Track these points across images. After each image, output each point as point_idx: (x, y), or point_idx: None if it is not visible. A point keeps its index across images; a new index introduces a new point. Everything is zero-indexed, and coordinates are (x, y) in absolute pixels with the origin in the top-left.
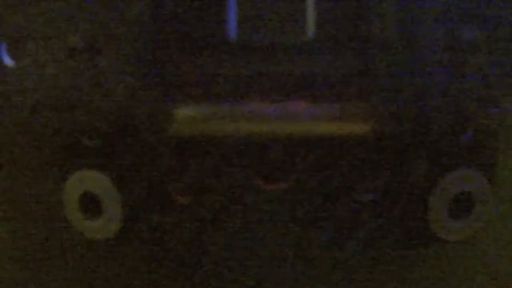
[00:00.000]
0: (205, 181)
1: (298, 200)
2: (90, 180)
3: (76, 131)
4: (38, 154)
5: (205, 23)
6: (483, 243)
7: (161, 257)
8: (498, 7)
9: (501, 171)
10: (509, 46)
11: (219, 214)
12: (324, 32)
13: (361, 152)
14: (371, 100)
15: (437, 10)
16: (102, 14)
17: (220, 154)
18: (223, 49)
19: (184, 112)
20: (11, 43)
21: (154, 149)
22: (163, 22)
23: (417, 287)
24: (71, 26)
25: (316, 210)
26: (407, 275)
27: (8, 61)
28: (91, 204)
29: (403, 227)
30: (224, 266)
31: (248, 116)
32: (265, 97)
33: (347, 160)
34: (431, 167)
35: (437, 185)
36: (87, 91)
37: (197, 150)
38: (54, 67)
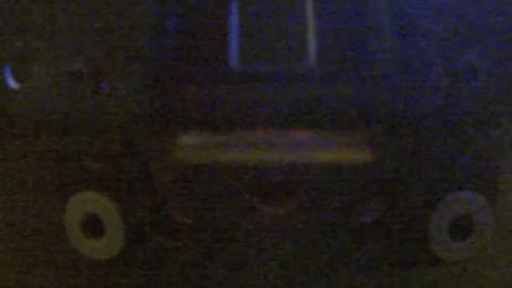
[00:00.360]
0: (207, 203)
1: (299, 222)
2: (92, 201)
3: (79, 154)
4: (41, 174)
5: (207, 52)
6: (483, 264)
7: (162, 278)
8: (495, 31)
9: (501, 192)
10: (507, 69)
11: (220, 236)
12: (325, 61)
13: (361, 177)
14: (370, 127)
15: (435, 36)
16: (107, 40)
17: (222, 178)
18: (226, 77)
19: (187, 139)
20: (16, 65)
21: (157, 173)
22: (166, 50)
23: None
24: (76, 51)
25: (317, 232)
26: None
27: (12, 83)
28: (93, 225)
29: (404, 247)
30: None
31: (250, 144)
32: (267, 124)
33: (348, 184)
34: (431, 189)
35: (438, 206)
36: (90, 115)
37: (199, 174)
38: (58, 90)
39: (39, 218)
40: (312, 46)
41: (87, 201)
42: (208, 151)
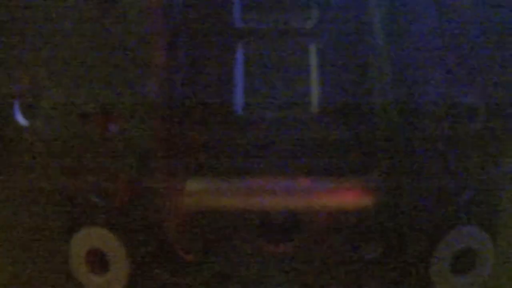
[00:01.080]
0: (212, 243)
1: (301, 261)
2: (97, 236)
3: (85, 190)
4: (46, 208)
5: (214, 98)
6: None
7: None
8: (495, 73)
9: (503, 227)
10: (507, 110)
11: (224, 272)
12: (327, 107)
13: (362, 220)
14: (373, 173)
15: (437, 78)
16: (117, 82)
17: (226, 221)
18: (231, 123)
19: (192, 184)
20: (24, 103)
21: (162, 216)
22: (174, 95)
23: None
24: (85, 91)
25: (320, 270)
26: None
27: (21, 119)
28: (97, 260)
29: (406, 283)
30: None
31: (254, 189)
32: (270, 170)
33: (349, 227)
34: (433, 225)
35: (440, 241)
36: (98, 155)
37: (204, 218)
38: (66, 129)
39: (44, 253)
40: (314, 93)
41: (92, 236)
42: (213, 196)
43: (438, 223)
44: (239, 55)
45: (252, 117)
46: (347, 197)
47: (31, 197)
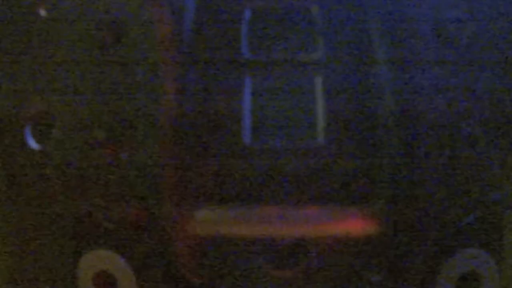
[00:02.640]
0: (219, 266)
1: (307, 286)
2: (105, 259)
3: (94, 214)
4: (55, 230)
5: (223, 128)
6: None
7: None
8: (495, 103)
9: (507, 249)
10: (505, 139)
11: None
12: (333, 137)
13: (368, 247)
14: (377, 201)
15: (440, 108)
16: (128, 111)
17: (233, 245)
18: (240, 153)
19: (202, 213)
20: (36, 127)
21: (172, 243)
22: (184, 125)
23: None
24: (96, 118)
25: None
26: None
27: (33, 143)
28: (105, 282)
29: None
30: None
31: (262, 217)
32: (278, 198)
33: (355, 251)
34: (437, 249)
35: (444, 264)
36: (108, 181)
37: (213, 246)
38: (77, 155)
39: (53, 274)
40: (321, 123)
41: (101, 259)
42: (222, 225)
43: (442, 246)
44: (248, 86)
45: (260, 146)
46: (352, 224)
47: (41, 220)
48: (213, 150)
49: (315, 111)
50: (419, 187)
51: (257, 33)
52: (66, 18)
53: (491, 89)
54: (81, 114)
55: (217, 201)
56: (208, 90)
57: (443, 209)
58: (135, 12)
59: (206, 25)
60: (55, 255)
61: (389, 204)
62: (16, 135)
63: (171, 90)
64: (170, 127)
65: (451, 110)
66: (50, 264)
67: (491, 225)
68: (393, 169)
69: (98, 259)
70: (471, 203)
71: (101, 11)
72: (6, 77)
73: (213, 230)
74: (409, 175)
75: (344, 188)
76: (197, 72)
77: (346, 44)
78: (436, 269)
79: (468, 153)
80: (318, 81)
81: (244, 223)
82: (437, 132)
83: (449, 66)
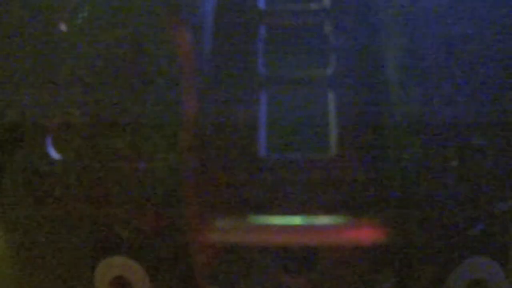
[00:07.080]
0: (233, 274)
1: None
2: (122, 265)
3: (111, 221)
4: (73, 237)
5: (239, 140)
6: None
7: None
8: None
9: None
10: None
11: None
12: (345, 148)
13: (378, 253)
14: (387, 212)
15: (448, 119)
16: (146, 123)
17: (247, 253)
18: (255, 164)
19: (218, 222)
20: (57, 137)
21: (189, 251)
22: (201, 136)
23: None
24: (115, 129)
25: None
26: None
27: (53, 153)
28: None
29: None
30: None
31: (276, 227)
32: (291, 207)
33: (365, 259)
34: (446, 257)
35: (452, 273)
36: (127, 191)
37: (230, 254)
38: (96, 165)
39: (70, 279)
40: (333, 135)
41: (117, 265)
42: (238, 234)
43: (450, 255)
44: (263, 100)
45: (275, 158)
46: (363, 233)
47: (60, 226)
48: (230, 161)
49: (327, 124)
50: (428, 197)
51: (272, 50)
52: (88, 33)
53: (500, 100)
54: (101, 124)
55: (233, 210)
56: (225, 104)
57: (452, 218)
58: (155, 30)
59: (223, 42)
60: (73, 261)
61: (398, 213)
62: (37, 145)
63: (189, 105)
64: (189, 139)
65: (459, 121)
66: (68, 270)
67: (499, 234)
68: (402, 179)
69: (114, 266)
70: (479, 212)
71: (121, 27)
72: (29, 89)
73: (227, 238)
74: (418, 185)
75: (355, 198)
76: (215, 87)
77: (357, 59)
78: (444, 277)
79: (476, 163)
80: (331, 95)
81: (258, 231)
82: (445, 143)
83: (458, 79)
